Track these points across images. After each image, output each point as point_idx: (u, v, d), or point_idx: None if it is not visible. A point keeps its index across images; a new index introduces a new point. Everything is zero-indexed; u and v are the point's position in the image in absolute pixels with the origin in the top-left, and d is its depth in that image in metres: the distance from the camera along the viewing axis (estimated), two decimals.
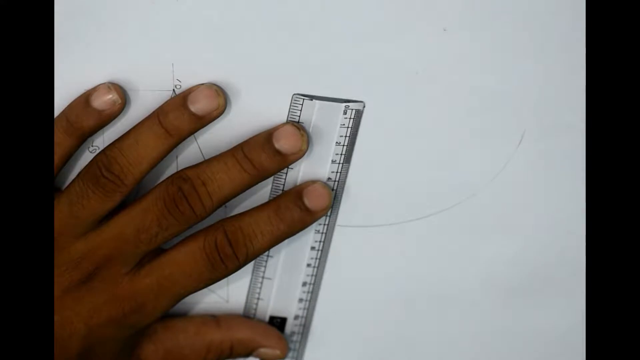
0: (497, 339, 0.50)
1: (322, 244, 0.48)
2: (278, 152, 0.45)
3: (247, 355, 0.49)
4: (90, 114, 0.45)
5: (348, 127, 0.47)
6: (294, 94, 0.46)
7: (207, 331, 0.48)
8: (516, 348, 0.50)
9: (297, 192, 0.46)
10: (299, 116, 0.47)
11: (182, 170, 0.46)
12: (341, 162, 0.47)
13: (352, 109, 0.47)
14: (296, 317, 0.49)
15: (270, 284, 0.49)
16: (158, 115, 0.46)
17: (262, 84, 0.47)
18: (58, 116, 0.46)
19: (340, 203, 0.48)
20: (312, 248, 0.48)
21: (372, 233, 0.49)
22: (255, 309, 0.49)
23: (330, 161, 0.47)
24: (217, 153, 0.47)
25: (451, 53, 0.47)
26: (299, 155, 0.46)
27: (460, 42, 0.46)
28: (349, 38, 0.46)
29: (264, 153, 0.45)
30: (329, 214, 0.48)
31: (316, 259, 0.48)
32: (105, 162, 0.45)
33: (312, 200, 0.46)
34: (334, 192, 0.47)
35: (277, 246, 0.47)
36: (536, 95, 0.47)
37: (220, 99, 0.45)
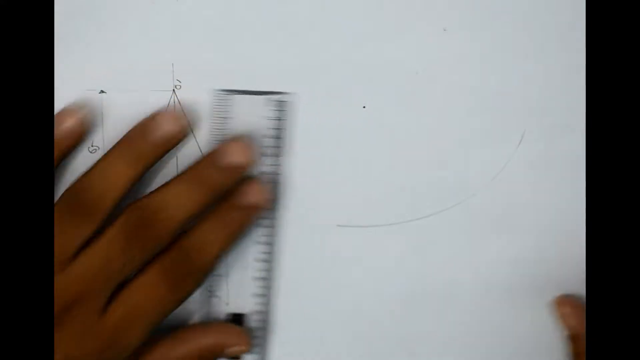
0: (497, 339, 0.50)
1: (270, 237, 0.48)
2: (229, 168, 0.46)
3: (216, 358, 0.48)
4: (59, 136, 0.46)
5: (275, 119, 0.47)
6: (215, 90, 0.46)
7: (168, 351, 0.47)
8: (516, 348, 0.50)
9: (236, 194, 0.46)
10: (224, 112, 0.47)
11: (139, 199, 0.46)
12: (274, 154, 0.47)
13: (276, 101, 0.47)
14: (255, 313, 0.49)
15: (223, 280, 0.49)
16: (124, 143, 0.46)
17: (262, 84, 0.47)
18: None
19: (282, 196, 0.48)
20: (258, 242, 0.48)
21: (372, 233, 0.49)
22: (212, 306, 0.49)
23: (263, 155, 0.47)
24: None
25: (451, 53, 0.47)
26: (249, 166, 0.46)
27: (460, 42, 0.46)
28: (349, 38, 0.47)
29: (216, 171, 0.46)
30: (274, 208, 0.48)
31: (266, 253, 0.48)
32: (75, 192, 0.45)
33: (251, 198, 0.46)
34: (273, 185, 0.47)
35: None
36: (536, 95, 0.47)
37: (182, 120, 0.46)
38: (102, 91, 0.47)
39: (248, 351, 0.49)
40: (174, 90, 0.47)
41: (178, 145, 0.47)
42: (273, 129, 0.47)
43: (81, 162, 0.48)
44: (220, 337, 0.48)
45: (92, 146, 0.48)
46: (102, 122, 0.48)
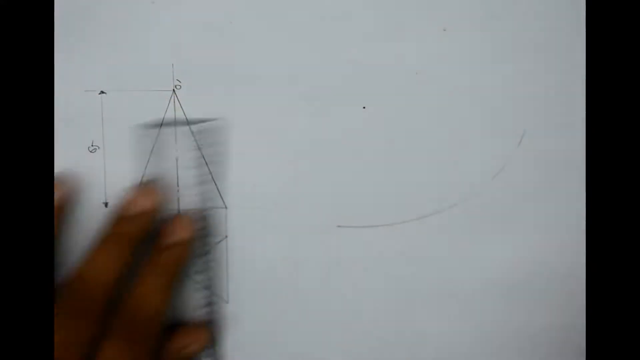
0: (497, 339, 0.50)
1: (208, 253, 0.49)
2: (137, 217, 0.47)
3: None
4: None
5: (203, 147, 0.48)
6: (139, 125, 0.47)
7: None
8: (516, 348, 0.51)
9: (161, 236, 0.48)
10: (148, 145, 0.48)
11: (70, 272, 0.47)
12: (203, 182, 0.48)
13: (201, 130, 0.48)
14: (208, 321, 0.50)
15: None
16: (107, 233, 0.47)
17: (262, 84, 0.47)
18: None
19: (212, 224, 0.49)
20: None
21: (372, 233, 0.49)
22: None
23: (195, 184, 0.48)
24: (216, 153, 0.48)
25: (451, 53, 0.47)
26: (156, 209, 0.47)
27: (460, 42, 0.46)
28: (348, 38, 0.47)
29: (126, 224, 0.47)
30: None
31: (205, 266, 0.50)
32: (70, 289, 0.46)
33: (175, 235, 0.48)
34: (202, 213, 0.48)
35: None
36: (536, 95, 0.47)
37: (155, 195, 0.47)
38: (102, 91, 0.47)
39: (204, 348, 0.49)
40: (174, 90, 0.47)
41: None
42: (200, 157, 0.48)
43: (82, 162, 0.48)
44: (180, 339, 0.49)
45: (92, 146, 0.48)
46: (102, 122, 0.48)
